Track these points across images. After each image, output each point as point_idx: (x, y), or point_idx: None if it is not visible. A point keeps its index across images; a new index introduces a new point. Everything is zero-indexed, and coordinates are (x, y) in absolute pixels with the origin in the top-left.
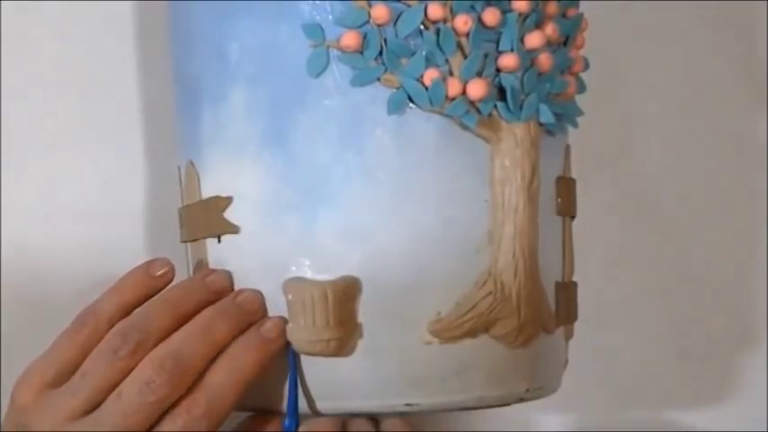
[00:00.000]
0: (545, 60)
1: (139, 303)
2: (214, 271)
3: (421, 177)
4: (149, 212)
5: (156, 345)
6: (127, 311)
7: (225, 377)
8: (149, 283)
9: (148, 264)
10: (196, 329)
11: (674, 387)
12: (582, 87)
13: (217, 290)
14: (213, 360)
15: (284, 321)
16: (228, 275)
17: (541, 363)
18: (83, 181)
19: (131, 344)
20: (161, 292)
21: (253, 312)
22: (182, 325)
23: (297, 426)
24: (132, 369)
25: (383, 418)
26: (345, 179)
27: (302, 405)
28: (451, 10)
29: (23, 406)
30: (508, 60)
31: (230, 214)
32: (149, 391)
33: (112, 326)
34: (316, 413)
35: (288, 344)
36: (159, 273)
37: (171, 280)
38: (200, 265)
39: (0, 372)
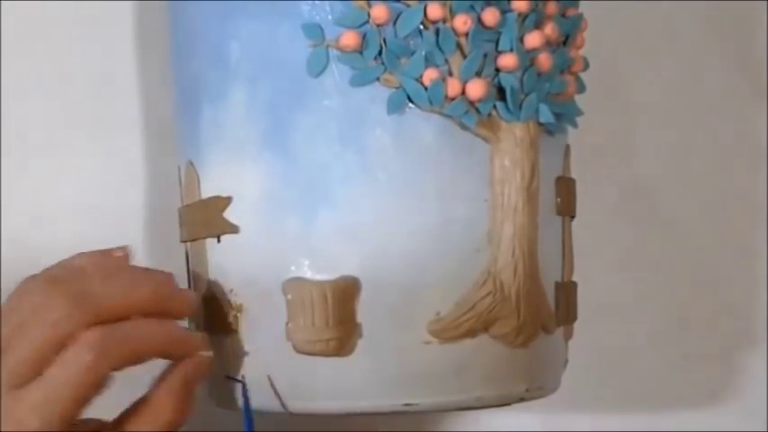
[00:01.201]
0: (544, 60)
1: None
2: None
3: (420, 177)
4: (149, 212)
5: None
6: None
7: (138, 327)
8: (104, 259)
9: (108, 250)
10: (147, 322)
11: (675, 387)
12: (582, 87)
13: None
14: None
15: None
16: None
17: (541, 363)
18: (83, 181)
19: (72, 308)
20: None
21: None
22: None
23: None
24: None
25: None
26: (345, 179)
27: (301, 405)
28: (451, 10)
29: None
30: (507, 60)
31: (230, 214)
32: (82, 356)
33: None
34: (314, 413)
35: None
36: (116, 255)
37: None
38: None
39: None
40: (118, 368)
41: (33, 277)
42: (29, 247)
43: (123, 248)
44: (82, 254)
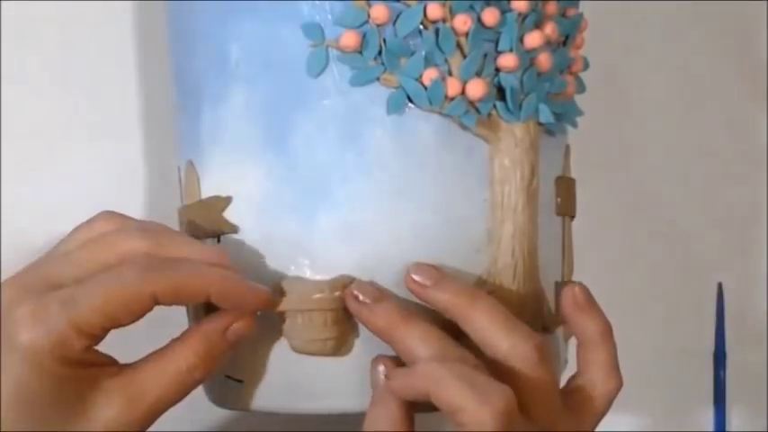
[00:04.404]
0: (544, 60)
1: None
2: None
3: (420, 177)
4: (149, 212)
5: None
6: None
7: (188, 265)
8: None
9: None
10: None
11: (675, 387)
12: (581, 87)
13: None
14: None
15: (272, 301)
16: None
17: None
18: (83, 181)
19: (145, 270)
20: None
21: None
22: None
23: None
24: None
25: None
26: (344, 179)
27: (300, 404)
28: (451, 10)
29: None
30: (507, 60)
31: (230, 214)
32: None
33: None
34: (313, 413)
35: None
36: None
37: None
38: None
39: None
40: (161, 298)
41: (119, 240)
42: (29, 246)
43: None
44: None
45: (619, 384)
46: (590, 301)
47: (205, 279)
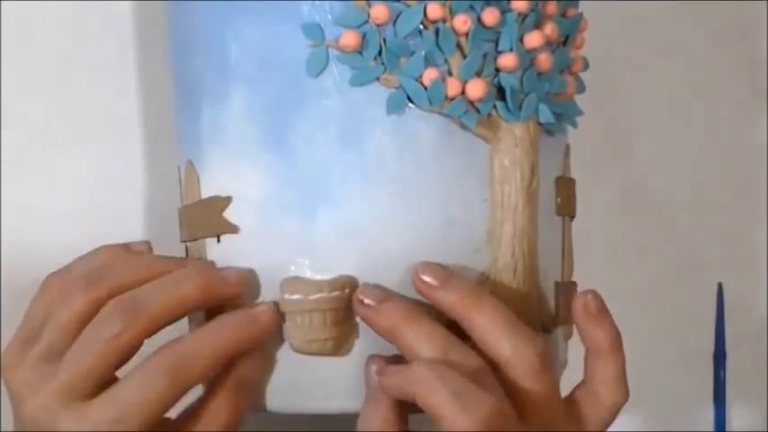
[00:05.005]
0: (544, 60)
1: None
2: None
3: (420, 177)
4: (149, 212)
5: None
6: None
7: (202, 340)
8: (126, 251)
9: (128, 243)
10: (164, 281)
11: (675, 386)
12: (581, 87)
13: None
14: (178, 316)
15: (276, 309)
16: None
17: None
18: (83, 181)
19: (90, 283)
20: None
21: (231, 283)
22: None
23: None
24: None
25: None
26: (344, 179)
27: (300, 404)
28: (451, 10)
29: (5, 368)
30: (507, 60)
31: (230, 214)
32: (103, 327)
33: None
34: (313, 413)
35: None
36: (137, 249)
37: None
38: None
39: (0, 371)
40: (191, 387)
41: (64, 280)
42: (29, 247)
43: (143, 244)
44: (103, 248)
45: (625, 397)
46: (602, 311)
47: (222, 351)
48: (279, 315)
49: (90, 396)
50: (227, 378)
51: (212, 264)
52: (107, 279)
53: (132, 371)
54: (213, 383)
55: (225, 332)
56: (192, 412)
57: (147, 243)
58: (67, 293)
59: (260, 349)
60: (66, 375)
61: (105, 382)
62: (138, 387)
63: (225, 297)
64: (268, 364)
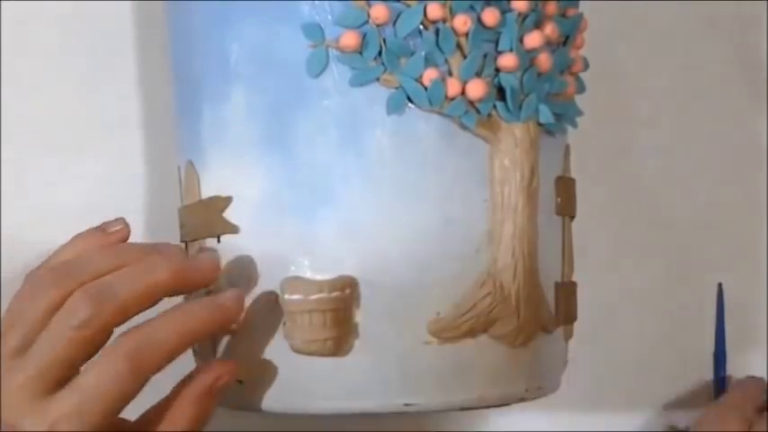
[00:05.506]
0: (544, 60)
1: None
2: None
3: (420, 177)
4: (149, 212)
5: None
6: None
7: (165, 325)
8: (101, 239)
9: (103, 223)
10: (134, 268)
11: (675, 387)
12: (581, 87)
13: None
14: (149, 304)
15: (242, 296)
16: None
17: (541, 363)
18: (83, 181)
19: (58, 276)
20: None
21: (204, 269)
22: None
23: None
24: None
25: None
26: (344, 179)
27: (300, 404)
28: (451, 10)
29: None
30: (507, 60)
31: (230, 214)
32: (70, 315)
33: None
34: (313, 413)
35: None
36: (113, 229)
37: (126, 237)
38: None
39: (0, 371)
40: (153, 374)
41: (36, 274)
42: (29, 246)
43: (119, 221)
44: (78, 238)
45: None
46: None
47: (188, 340)
48: (244, 302)
49: (54, 390)
50: (194, 382)
51: (184, 251)
52: (78, 270)
53: (92, 360)
54: (180, 385)
55: (188, 317)
56: (154, 413)
57: (123, 220)
58: (38, 286)
59: (234, 353)
60: (32, 368)
61: (72, 375)
62: (97, 375)
63: (198, 284)
64: (267, 364)
